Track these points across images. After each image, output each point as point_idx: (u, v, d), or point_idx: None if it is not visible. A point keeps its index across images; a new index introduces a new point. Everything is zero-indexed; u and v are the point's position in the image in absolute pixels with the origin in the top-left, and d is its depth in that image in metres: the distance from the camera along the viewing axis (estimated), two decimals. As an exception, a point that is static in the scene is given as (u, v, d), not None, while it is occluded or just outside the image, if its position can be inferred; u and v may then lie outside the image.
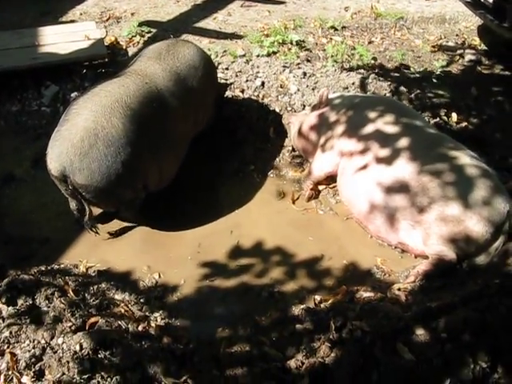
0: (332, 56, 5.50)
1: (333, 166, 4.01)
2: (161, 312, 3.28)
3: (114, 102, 3.51)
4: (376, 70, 5.15)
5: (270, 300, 3.35)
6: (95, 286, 3.42)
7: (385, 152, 3.67)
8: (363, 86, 4.91)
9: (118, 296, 3.39)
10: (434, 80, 5.20)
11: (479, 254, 3.37)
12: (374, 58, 5.41)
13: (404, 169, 3.53)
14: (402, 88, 4.84)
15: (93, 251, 3.72)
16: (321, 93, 4.23)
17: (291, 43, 5.68)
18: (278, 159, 4.51)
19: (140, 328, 3.09)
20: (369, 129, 3.83)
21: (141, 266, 3.60)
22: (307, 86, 4.98)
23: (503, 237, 3.34)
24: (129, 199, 3.70)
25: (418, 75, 5.24)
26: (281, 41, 5.68)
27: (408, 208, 3.47)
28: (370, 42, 5.89)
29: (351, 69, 5.21)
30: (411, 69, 5.40)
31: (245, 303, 3.34)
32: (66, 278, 3.46)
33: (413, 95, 4.81)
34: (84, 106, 3.50)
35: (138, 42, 5.81)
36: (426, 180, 3.44)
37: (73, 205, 3.64)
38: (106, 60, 5.50)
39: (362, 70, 5.15)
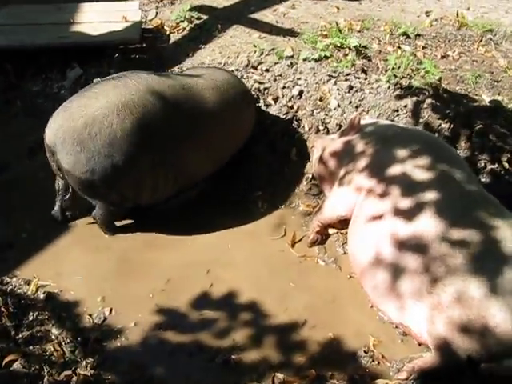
0: (393, 69, 4.70)
1: (347, 209, 3.32)
2: (94, 358, 2.78)
3: (135, 103, 3.30)
4: (438, 93, 4.29)
5: (223, 369, 2.77)
6: (36, 313, 3.00)
7: (407, 203, 2.96)
8: (416, 111, 4.12)
9: (56, 330, 2.99)
10: (510, 114, 4.27)
11: (501, 358, 2.57)
12: (441, 78, 4.54)
13: (425, 227, 2.83)
14: (462, 120, 3.98)
15: (53, 262, 3.33)
16: (352, 117, 3.53)
17: (349, 48, 4.90)
18: (292, 187, 3.83)
19: (61, 376, 2.64)
20: (394, 171, 3.12)
21: (95, 294, 3.14)
22: (350, 102, 4.25)
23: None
24: (110, 202, 3.41)
25: (489, 105, 4.33)
26: (338, 44, 4.94)
27: (419, 277, 2.75)
28: (443, 57, 5.01)
29: (409, 87, 4.40)
30: (483, 96, 4.48)
31: (192, 367, 2.77)
32: (8, 297, 3.04)
33: (474, 131, 3.94)
34: (105, 93, 3.30)
35: (184, 29, 5.31)
36: (448, 247, 2.69)
37: (57, 182, 3.57)
38: (144, 45, 5.02)
39: (421, 91, 4.31)
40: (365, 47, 5.00)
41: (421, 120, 4.09)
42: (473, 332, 2.59)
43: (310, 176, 3.88)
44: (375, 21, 5.47)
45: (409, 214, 2.90)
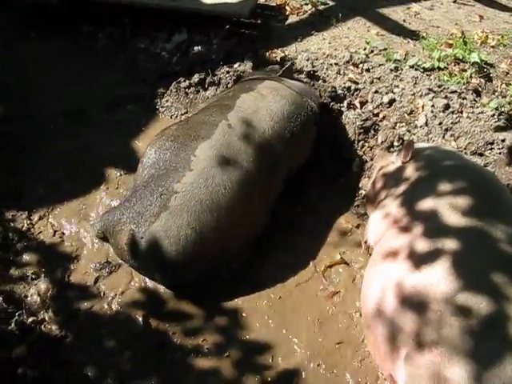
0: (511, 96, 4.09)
1: (376, 237, 2.96)
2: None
3: None
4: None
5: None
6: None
7: (424, 247, 2.54)
8: (511, 148, 3.53)
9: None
10: None
11: None
12: (560, 117, 3.85)
13: (431, 283, 2.40)
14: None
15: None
16: (406, 143, 3.11)
17: (470, 64, 4.35)
18: (341, 199, 3.51)
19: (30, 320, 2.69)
20: (425, 206, 2.69)
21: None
22: (440, 123, 3.76)
23: None
24: None
25: None
26: (460, 57, 4.40)
27: (411, 337, 2.36)
28: None
29: (518, 121, 3.79)
30: None
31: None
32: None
33: None
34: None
35: (305, 12, 5.07)
36: (448, 312, 2.29)
37: None
38: (258, 21, 4.90)
39: (530, 128, 3.70)
40: (490, 65, 4.41)
41: (514, 159, 3.50)
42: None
43: (364, 192, 3.51)
44: (519, 37, 4.79)
45: (420, 262, 2.49)
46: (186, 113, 4.18)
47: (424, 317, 2.35)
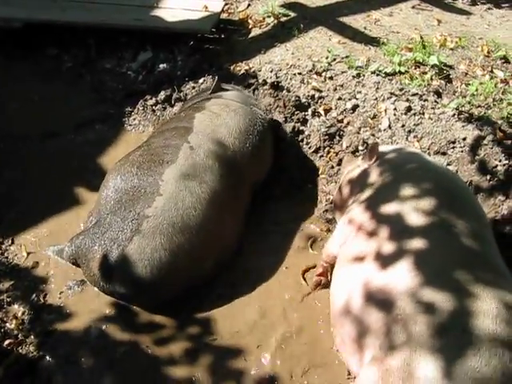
0: (473, 95, 4.19)
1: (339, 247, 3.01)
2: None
3: None
4: (508, 130, 3.75)
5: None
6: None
7: (389, 249, 2.60)
8: (474, 146, 3.63)
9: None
10: None
11: None
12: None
13: (396, 282, 2.46)
14: (521, 165, 3.44)
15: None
16: (370, 146, 3.18)
17: (431, 66, 4.46)
18: (309, 206, 3.57)
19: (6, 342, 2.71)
20: (390, 210, 2.75)
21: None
22: (403, 125, 3.85)
23: None
24: None
25: None
26: (421, 60, 4.51)
27: (379, 336, 2.41)
28: (540, 90, 4.36)
29: (479, 119, 3.89)
30: None
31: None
32: None
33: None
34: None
35: (268, 25, 5.15)
36: (412, 310, 2.33)
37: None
38: (222, 36, 4.98)
39: (489, 125, 3.79)
40: (450, 67, 4.52)
41: (476, 157, 3.59)
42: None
43: (331, 198, 3.58)
44: (476, 39, 4.93)
45: (386, 263, 2.55)
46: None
47: (389, 315, 2.40)
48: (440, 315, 2.28)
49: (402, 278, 2.44)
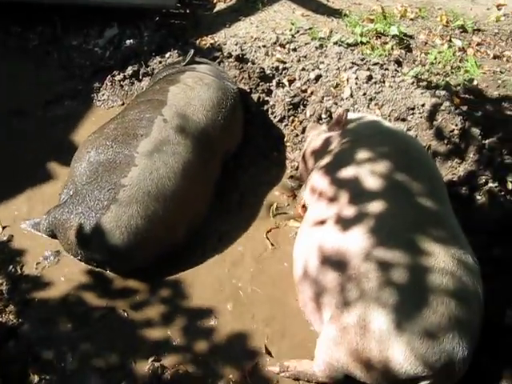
0: (432, 63, 4.35)
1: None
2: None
3: None
4: (463, 96, 3.91)
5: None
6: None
7: (344, 212, 2.75)
8: (432, 112, 3.78)
9: None
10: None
11: None
12: (472, 79, 4.13)
13: (351, 243, 2.60)
14: (476, 130, 3.60)
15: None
16: (338, 113, 3.30)
17: (392, 37, 4.60)
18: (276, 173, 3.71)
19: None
20: (347, 174, 2.89)
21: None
22: (364, 93, 3.99)
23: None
24: None
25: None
26: (382, 31, 4.64)
27: (336, 295, 2.57)
28: (496, 57, 4.54)
29: (437, 86, 4.05)
30: (520, 106, 4.03)
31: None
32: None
33: (487, 143, 3.56)
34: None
35: (232, -1, 5.20)
36: (367, 268, 2.48)
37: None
38: (187, 11, 5.03)
39: (447, 91, 3.95)
40: (410, 37, 4.67)
41: (434, 122, 3.75)
42: (368, 365, 2.40)
43: (296, 165, 3.72)
44: (435, 9, 5.09)
45: (342, 226, 2.68)
46: (123, 104, 4.29)
47: (344, 275, 2.54)
48: (392, 272, 2.43)
49: (356, 238, 2.58)
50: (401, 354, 2.28)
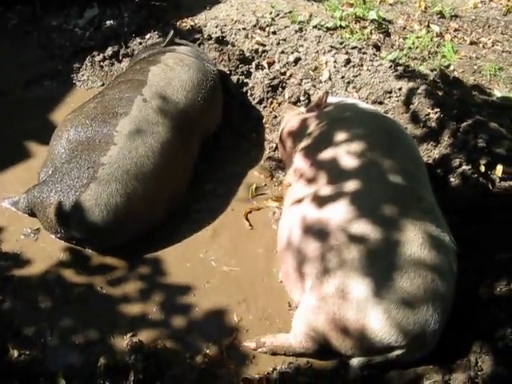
0: (410, 48, 4.42)
1: None
2: None
3: None
4: (439, 81, 3.98)
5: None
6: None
7: (325, 189, 2.81)
8: (408, 96, 3.85)
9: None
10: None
11: (373, 355, 2.48)
12: (449, 65, 4.20)
13: (331, 215, 2.68)
14: (451, 114, 3.67)
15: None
16: (319, 95, 3.36)
17: (371, 21, 4.65)
18: (255, 154, 3.76)
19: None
20: (326, 155, 2.95)
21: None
22: (343, 77, 4.04)
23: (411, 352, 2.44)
24: None
25: (497, 101, 3.96)
26: (361, 15, 4.69)
27: (316, 264, 2.64)
28: (473, 43, 4.62)
29: (414, 70, 4.11)
30: (495, 91, 4.11)
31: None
32: None
33: (462, 127, 3.63)
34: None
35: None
36: (346, 238, 2.56)
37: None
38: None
39: (423, 76, 4.01)
40: (389, 22, 4.72)
41: (411, 106, 3.81)
42: (345, 334, 2.48)
43: (275, 146, 3.77)
44: (415, -5, 5.12)
45: (322, 200, 2.76)
46: (103, 85, 4.29)
47: (325, 245, 2.62)
48: (371, 243, 2.52)
49: (338, 211, 2.65)
50: (377, 323, 2.37)
